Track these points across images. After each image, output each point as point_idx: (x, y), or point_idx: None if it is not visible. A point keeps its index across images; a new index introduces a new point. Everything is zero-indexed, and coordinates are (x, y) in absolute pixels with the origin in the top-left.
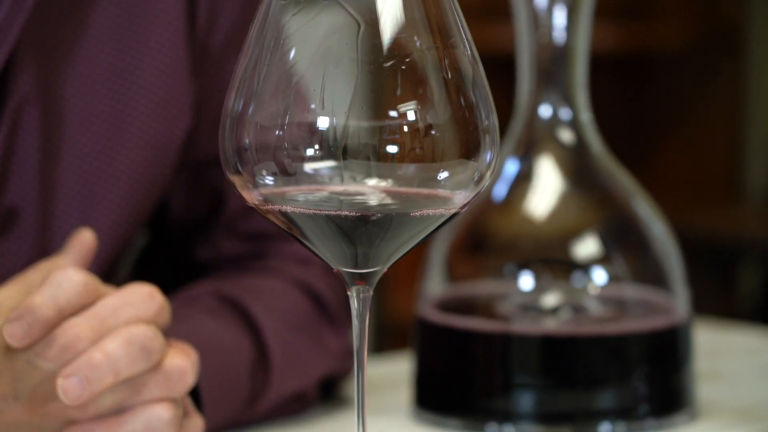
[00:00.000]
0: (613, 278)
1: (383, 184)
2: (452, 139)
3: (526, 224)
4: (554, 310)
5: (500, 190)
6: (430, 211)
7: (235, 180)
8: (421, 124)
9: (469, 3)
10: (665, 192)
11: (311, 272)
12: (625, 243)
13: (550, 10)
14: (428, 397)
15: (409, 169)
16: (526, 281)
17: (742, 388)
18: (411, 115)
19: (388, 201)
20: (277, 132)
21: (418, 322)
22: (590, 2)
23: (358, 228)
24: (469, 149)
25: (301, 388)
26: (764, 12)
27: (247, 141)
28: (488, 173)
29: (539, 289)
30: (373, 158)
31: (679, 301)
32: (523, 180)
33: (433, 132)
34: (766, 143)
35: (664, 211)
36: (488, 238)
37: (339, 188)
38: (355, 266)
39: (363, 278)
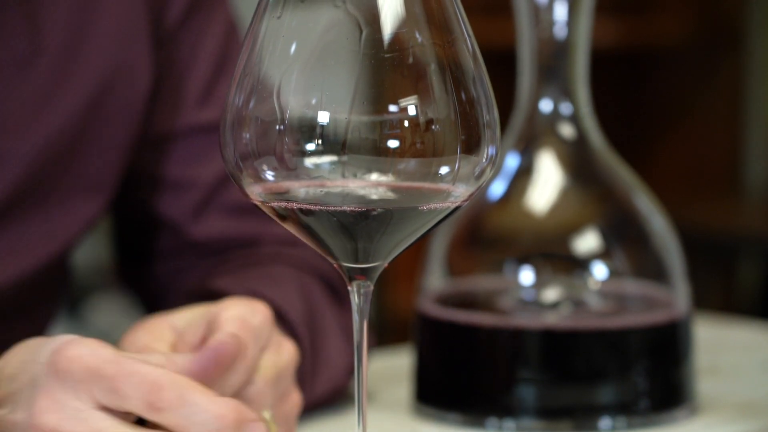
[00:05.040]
0: (613, 273)
1: (384, 178)
2: (453, 134)
3: (527, 219)
4: (555, 305)
5: (501, 185)
6: (431, 206)
7: (236, 175)
8: (421, 119)
9: None
10: (666, 186)
11: (312, 254)
12: (625, 238)
13: (550, 5)
14: (428, 391)
15: (410, 163)
16: (527, 276)
17: (742, 382)
18: (411, 110)
19: (389, 196)
20: (277, 127)
21: (419, 316)
22: None
23: (359, 223)
24: (470, 144)
25: (332, 377)
26: (764, 7)
27: (247, 136)
28: (489, 168)
29: (539, 283)
30: (374, 153)
31: (679, 295)
32: (524, 174)
33: (433, 127)
34: (766, 138)
35: (665, 206)
36: (489, 233)
37: (340, 183)
38: (356, 261)
39: (363, 273)
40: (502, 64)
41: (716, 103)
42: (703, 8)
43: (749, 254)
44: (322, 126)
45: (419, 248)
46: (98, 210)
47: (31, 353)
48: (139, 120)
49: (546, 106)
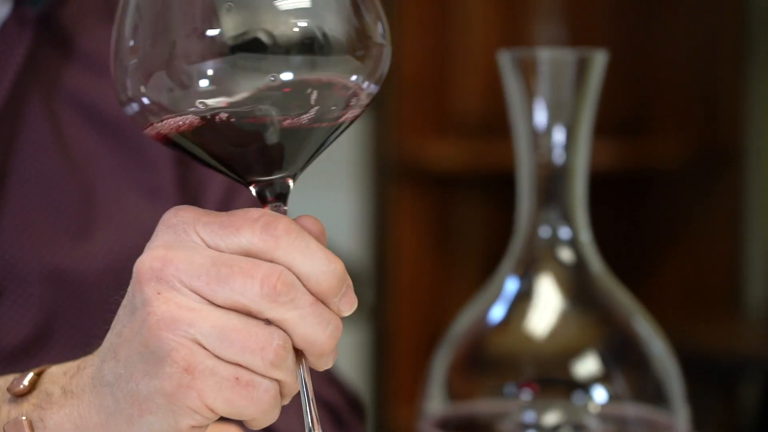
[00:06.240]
0: (613, 396)
1: (277, 79)
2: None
3: (527, 343)
4: (555, 429)
5: (500, 309)
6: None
7: (132, 108)
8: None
9: (469, 118)
10: (665, 307)
11: (318, 386)
12: (624, 361)
13: (549, 130)
14: None
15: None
16: (527, 399)
17: None
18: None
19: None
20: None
21: None
22: (589, 121)
23: (264, 131)
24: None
25: None
26: (762, 129)
27: (134, 61)
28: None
29: (540, 407)
30: (264, 51)
31: (679, 419)
32: (523, 299)
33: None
34: (765, 259)
35: (664, 327)
36: (489, 357)
37: (235, 97)
38: (265, 173)
39: (274, 192)
40: (501, 187)
41: (715, 225)
42: (701, 131)
43: (750, 376)
44: (210, 35)
45: (420, 370)
46: None
47: None
48: None
49: (545, 231)
